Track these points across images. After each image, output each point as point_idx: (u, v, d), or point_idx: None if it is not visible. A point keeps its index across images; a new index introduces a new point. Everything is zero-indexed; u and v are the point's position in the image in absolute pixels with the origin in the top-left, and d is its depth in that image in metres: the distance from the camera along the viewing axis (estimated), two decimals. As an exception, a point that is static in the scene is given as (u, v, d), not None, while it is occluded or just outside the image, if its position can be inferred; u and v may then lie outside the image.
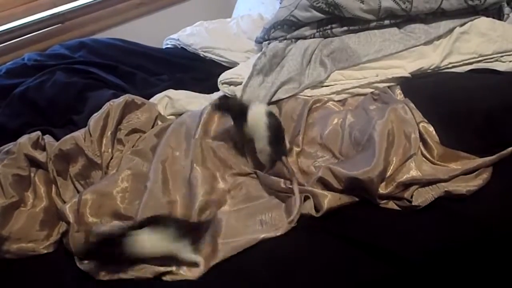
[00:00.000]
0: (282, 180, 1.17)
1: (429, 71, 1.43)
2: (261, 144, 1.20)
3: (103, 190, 1.19)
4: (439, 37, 1.47)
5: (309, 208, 1.10)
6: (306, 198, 1.12)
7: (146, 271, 1.01)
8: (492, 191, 1.11)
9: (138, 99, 1.45)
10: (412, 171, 1.13)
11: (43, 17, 2.06)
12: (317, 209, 1.10)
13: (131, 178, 1.22)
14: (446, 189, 1.10)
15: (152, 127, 1.43)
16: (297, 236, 1.06)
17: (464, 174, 1.13)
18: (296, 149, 1.27)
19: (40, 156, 1.28)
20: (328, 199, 1.09)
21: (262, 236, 1.06)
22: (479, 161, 1.14)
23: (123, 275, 1.01)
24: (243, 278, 0.98)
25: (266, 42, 1.68)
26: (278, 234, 1.06)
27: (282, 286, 0.97)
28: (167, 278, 1.01)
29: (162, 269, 1.01)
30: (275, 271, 0.99)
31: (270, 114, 1.22)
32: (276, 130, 1.20)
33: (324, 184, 1.13)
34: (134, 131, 1.40)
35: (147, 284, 1.00)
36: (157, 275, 1.01)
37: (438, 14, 1.50)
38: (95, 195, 1.17)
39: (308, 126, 1.33)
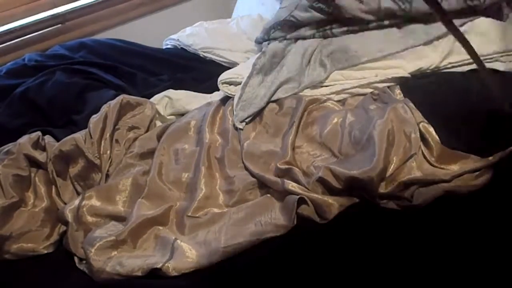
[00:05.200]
0: (279, 179, 1.17)
1: (428, 71, 1.43)
2: None
3: (105, 194, 1.20)
4: (438, 37, 1.47)
5: (310, 212, 1.10)
6: (302, 201, 1.11)
7: (134, 268, 1.01)
8: (492, 191, 1.11)
9: (133, 100, 1.45)
10: (413, 171, 1.13)
11: (43, 17, 2.06)
12: (319, 215, 1.10)
13: (133, 182, 1.23)
14: (446, 189, 1.10)
15: (149, 125, 1.44)
16: (297, 237, 1.06)
17: (465, 174, 1.13)
18: (290, 150, 1.25)
19: (40, 156, 1.29)
20: (335, 208, 1.09)
21: (263, 237, 1.06)
22: (480, 162, 1.14)
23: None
24: (241, 279, 0.99)
25: (266, 42, 1.68)
26: (279, 234, 1.07)
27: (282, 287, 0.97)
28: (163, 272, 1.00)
29: (151, 265, 1.01)
30: (275, 271, 0.99)
31: None
32: None
33: (324, 184, 1.13)
34: (130, 129, 1.40)
35: (146, 284, 1.00)
36: (147, 273, 1.00)
37: (438, 14, 1.50)
38: (96, 200, 1.18)
39: (308, 125, 1.33)
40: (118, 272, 1.02)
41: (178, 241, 1.07)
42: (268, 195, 1.19)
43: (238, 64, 1.70)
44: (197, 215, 1.17)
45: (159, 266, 1.00)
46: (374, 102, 1.37)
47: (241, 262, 1.02)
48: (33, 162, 1.29)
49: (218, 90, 1.50)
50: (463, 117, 1.21)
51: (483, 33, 1.46)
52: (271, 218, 1.11)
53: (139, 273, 1.01)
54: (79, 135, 1.32)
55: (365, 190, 1.11)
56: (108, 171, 1.31)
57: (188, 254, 1.04)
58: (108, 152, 1.33)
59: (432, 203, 1.09)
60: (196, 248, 1.05)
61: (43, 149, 1.32)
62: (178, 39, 1.98)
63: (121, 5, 2.26)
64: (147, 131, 1.43)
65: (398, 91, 1.38)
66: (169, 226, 1.15)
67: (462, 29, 1.47)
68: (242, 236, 1.07)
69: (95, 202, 1.18)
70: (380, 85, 1.41)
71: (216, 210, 1.18)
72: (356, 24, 1.54)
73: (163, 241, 1.09)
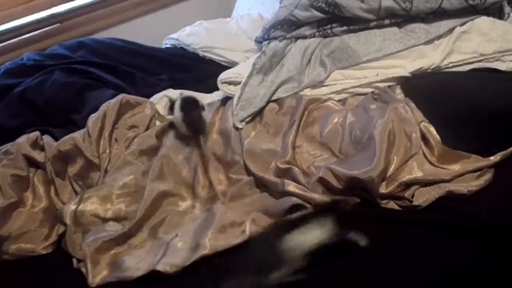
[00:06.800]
0: (279, 180, 1.16)
1: (429, 70, 1.43)
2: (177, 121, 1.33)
3: (104, 195, 1.19)
4: (439, 37, 1.46)
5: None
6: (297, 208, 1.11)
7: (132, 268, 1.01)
8: (493, 191, 1.10)
9: (133, 99, 1.44)
10: (414, 171, 1.13)
11: (42, 17, 2.06)
12: None
13: (133, 183, 1.22)
14: (447, 189, 1.09)
15: (148, 124, 1.43)
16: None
17: (466, 174, 1.13)
18: (290, 148, 1.25)
19: (38, 156, 1.28)
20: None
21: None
22: (481, 162, 1.14)
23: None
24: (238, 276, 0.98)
25: (266, 41, 1.68)
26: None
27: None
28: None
29: (147, 265, 1.01)
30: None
31: (186, 100, 1.35)
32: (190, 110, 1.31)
33: (324, 184, 1.13)
34: (130, 128, 1.40)
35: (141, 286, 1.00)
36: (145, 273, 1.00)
37: (439, 14, 1.50)
38: (95, 201, 1.18)
39: (308, 125, 1.33)
40: (116, 272, 1.02)
41: (176, 239, 1.07)
42: (266, 193, 1.19)
43: (238, 63, 1.70)
44: (195, 211, 1.18)
45: (153, 267, 1.00)
46: (375, 102, 1.36)
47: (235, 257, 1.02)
48: (31, 162, 1.28)
49: (218, 89, 1.50)
50: (464, 117, 1.20)
51: (484, 32, 1.45)
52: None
53: (138, 273, 1.00)
54: (77, 135, 1.31)
55: (366, 190, 1.10)
56: (106, 169, 1.30)
57: (180, 250, 1.04)
58: (107, 151, 1.32)
59: (432, 203, 1.09)
60: (188, 242, 1.06)
61: (42, 149, 1.31)
62: (177, 39, 1.98)
63: (120, 4, 2.25)
64: (146, 130, 1.42)
65: (398, 90, 1.37)
66: (165, 225, 1.15)
67: (462, 28, 1.47)
68: (235, 232, 1.07)
69: (93, 203, 1.17)
70: (381, 85, 1.41)
71: (214, 206, 1.18)
72: (356, 23, 1.53)
73: (160, 242, 1.09)
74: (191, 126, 1.31)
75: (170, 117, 1.51)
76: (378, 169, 1.08)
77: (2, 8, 1.94)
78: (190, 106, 1.33)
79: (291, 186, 1.13)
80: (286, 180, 1.15)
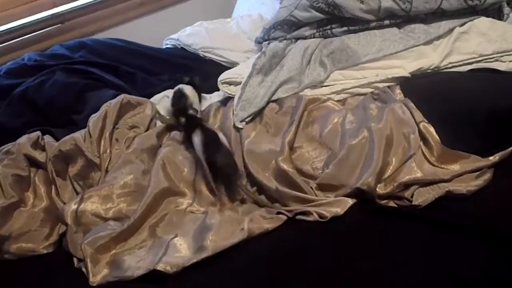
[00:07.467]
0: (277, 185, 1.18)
1: (429, 71, 1.43)
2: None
3: (105, 194, 1.20)
4: (439, 37, 1.47)
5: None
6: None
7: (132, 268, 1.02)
8: (492, 191, 1.11)
9: (134, 100, 1.45)
10: (413, 172, 1.13)
11: (43, 17, 2.06)
12: (318, 214, 1.11)
13: (133, 182, 1.23)
14: (447, 189, 1.10)
15: (149, 124, 1.44)
16: (290, 233, 1.07)
17: (465, 174, 1.13)
18: (287, 147, 1.25)
19: (39, 156, 1.29)
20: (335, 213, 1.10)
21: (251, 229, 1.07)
22: (480, 162, 1.14)
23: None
24: (235, 276, 0.99)
25: (266, 42, 1.68)
26: (270, 229, 1.08)
27: (275, 284, 0.97)
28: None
29: (146, 265, 1.01)
30: (268, 269, 0.99)
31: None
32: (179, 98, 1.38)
33: (324, 189, 1.15)
34: (130, 128, 1.41)
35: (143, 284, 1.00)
36: (145, 273, 1.01)
37: (438, 14, 1.50)
38: (96, 200, 1.18)
39: (308, 124, 1.33)
40: (116, 272, 1.02)
41: (176, 239, 1.07)
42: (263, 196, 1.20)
43: (238, 64, 1.70)
44: (196, 211, 1.18)
45: (153, 266, 1.00)
46: (374, 102, 1.37)
47: (233, 258, 1.03)
48: (32, 162, 1.29)
49: (218, 90, 1.50)
50: (463, 117, 1.21)
51: (483, 33, 1.46)
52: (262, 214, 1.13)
53: (138, 273, 1.01)
54: (78, 135, 1.32)
55: (364, 193, 1.11)
56: (107, 169, 1.30)
57: (180, 250, 1.05)
58: (108, 151, 1.33)
59: (432, 203, 1.09)
60: (188, 243, 1.06)
61: (43, 149, 1.32)
62: (178, 39, 1.98)
63: (121, 4, 2.25)
64: (147, 130, 1.43)
65: (398, 91, 1.38)
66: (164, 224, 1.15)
67: (462, 29, 1.48)
68: (235, 232, 1.08)
69: (94, 203, 1.18)
70: (381, 85, 1.41)
71: (212, 207, 1.19)
72: (356, 24, 1.54)
73: (160, 242, 1.09)
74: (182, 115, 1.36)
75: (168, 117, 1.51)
76: (374, 174, 1.09)
77: (3, 8, 1.95)
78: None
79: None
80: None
